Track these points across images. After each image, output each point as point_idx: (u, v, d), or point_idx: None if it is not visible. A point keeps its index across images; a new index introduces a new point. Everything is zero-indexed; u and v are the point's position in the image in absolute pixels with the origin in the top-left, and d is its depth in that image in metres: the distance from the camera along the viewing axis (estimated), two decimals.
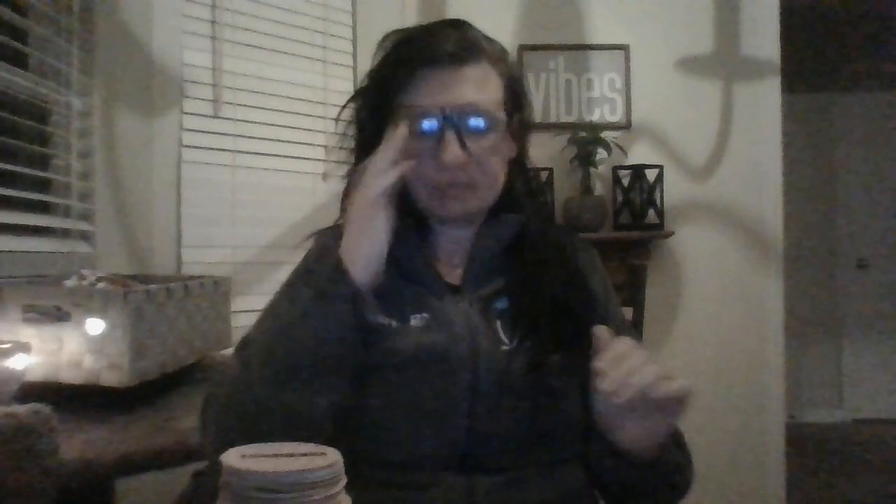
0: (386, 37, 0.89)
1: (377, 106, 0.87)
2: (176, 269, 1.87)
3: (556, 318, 0.84)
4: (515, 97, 0.90)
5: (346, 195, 0.88)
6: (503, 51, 0.90)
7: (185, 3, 1.91)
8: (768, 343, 2.73)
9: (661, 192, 2.58)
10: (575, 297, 0.88)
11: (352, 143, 0.91)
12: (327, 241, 0.87)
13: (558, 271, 0.89)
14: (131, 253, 1.78)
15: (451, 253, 0.90)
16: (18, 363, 1.06)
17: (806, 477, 3.43)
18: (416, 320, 0.83)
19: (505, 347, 0.83)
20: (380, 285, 0.82)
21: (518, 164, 0.92)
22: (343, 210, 0.88)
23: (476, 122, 0.82)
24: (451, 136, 0.81)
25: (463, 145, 0.81)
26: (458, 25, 0.88)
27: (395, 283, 0.85)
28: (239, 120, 2.01)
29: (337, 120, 0.92)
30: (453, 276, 0.89)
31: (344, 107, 0.91)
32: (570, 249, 0.94)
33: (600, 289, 0.93)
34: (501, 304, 0.87)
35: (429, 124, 0.82)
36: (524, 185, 0.93)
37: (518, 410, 0.80)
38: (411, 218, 0.88)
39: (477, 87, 0.83)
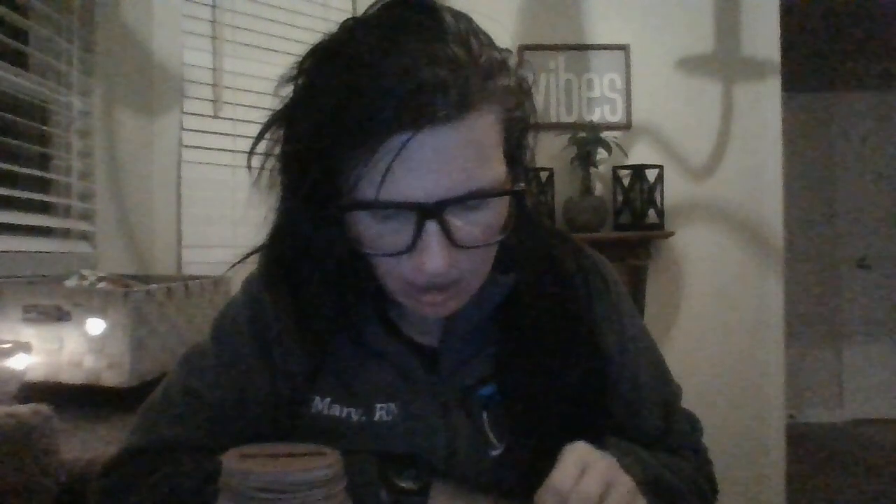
0: (325, 50, 0.64)
1: (315, 172, 0.60)
2: (176, 269, 1.86)
3: (558, 408, 0.67)
4: (518, 126, 0.63)
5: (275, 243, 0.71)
6: (499, 64, 0.59)
7: (185, 3, 1.91)
8: (768, 343, 2.73)
9: (662, 192, 2.58)
10: (583, 377, 0.69)
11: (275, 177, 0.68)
12: (263, 321, 0.72)
13: (561, 345, 0.68)
14: (131, 253, 1.78)
15: (423, 316, 0.67)
16: (19, 363, 1.06)
17: (806, 477, 3.44)
18: (381, 412, 0.67)
19: (494, 452, 0.67)
20: (335, 362, 0.69)
21: (516, 211, 0.63)
22: (268, 259, 0.73)
23: (467, 207, 0.57)
24: (431, 240, 0.56)
25: (449, 242, 0.57)
26: (429, 38, 0.56)
27: (355, 358, 0.69)
28: (239, 120, 2.01)
29: (250, 153, 0.69)
30: (426, 335, 0.71)
31: (261, 135, 0.68)
32: (581, 299, 0.71)
33: (615, 335, 0.73)
34: (488, 389, 0.68)
35: (402, 223, 0.57)
36: (522, 230, 0.66)
37: None
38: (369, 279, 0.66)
39: (466, 155, 0.55)
